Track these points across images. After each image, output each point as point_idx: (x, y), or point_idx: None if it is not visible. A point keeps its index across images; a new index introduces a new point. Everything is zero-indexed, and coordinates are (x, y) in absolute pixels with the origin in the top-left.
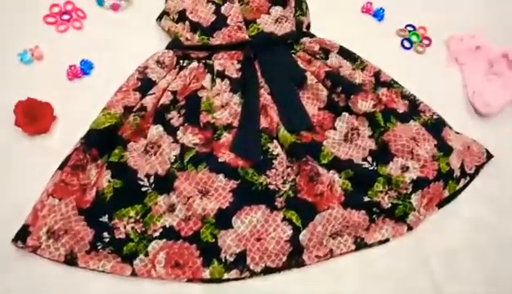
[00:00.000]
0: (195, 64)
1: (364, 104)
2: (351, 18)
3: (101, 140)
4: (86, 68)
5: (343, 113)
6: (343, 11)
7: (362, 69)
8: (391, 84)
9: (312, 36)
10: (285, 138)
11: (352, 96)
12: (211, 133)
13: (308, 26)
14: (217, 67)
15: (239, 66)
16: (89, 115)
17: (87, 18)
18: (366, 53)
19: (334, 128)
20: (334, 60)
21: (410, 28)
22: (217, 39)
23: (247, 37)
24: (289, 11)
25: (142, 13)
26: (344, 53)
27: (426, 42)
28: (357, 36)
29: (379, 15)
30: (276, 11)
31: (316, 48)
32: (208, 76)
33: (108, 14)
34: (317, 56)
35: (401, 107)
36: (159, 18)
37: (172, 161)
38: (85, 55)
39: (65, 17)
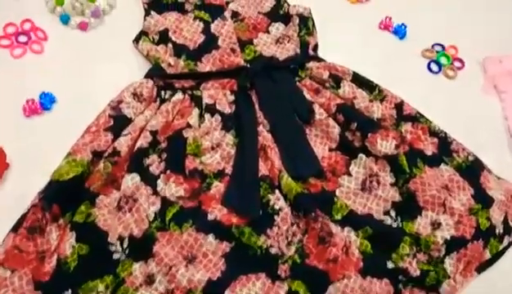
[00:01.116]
0: (179, 95)
1: (384, 145)
2: (367, 36)
3: (65, 195)
4: (47, 102)
5: (360, 156)
6: (357, 28)
7: (381, 100)
8: (416, 118)
9: (321, 60)
10: (290, 187)
11: (369, 135)
12: (198, 182)
13: (316, 47)
14: (206, 99)
15: (232, 98)
16: (50, 162)
17: (48, 40)
18: (386, 80)
19: (349, 174)
20: (347, 89)
21: (438, 48)
22: (207, 65)
23: (242, 62)
24: (293, 29)
25: (116, 33)
26: (359, 80)
27: (458, 64)
28: (374, 58)
29: (400, 32)
30: (277, 29)
31: (326, 75)
32: (196, 111)
33: (75, 34)
34: (327, 85)
35: (429, 147)
36: (137, 39)
37: (150, 219)
38: (46, 86)
39: (22, 39)
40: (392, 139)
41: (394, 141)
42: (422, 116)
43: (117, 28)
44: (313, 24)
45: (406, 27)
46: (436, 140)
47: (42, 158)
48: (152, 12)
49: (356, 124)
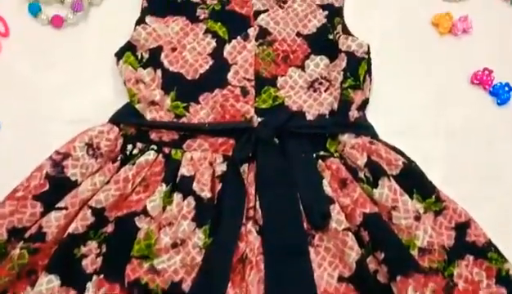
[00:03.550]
0: (150, 155)
1: None
2: (448, 90)
3: None
4: None
5: None
6: (436, 75)
7: (437, 213)
8: (484, 252)
9: (362, 129)
10: None
11: (398, 277)
12: None
13: (363, 105)
14: (183, 168)
15: (222, 169)
16: None
17: (9, 36)
18: (458, 171)
19: None
20: (387, 193)
21: None
22: (202, 108)
23: (252, 112)
24: (338, 70)
25: (101, 36)
26: (411, 178)
27: None
28: (449, 129)
29: (500, 94)
30: (317, 65)
31: (362, 161)
32: (162, 189)
33: (44, 33)
34: (360, 176)
35: None
36: (119, 54)
37: None
38: None
39: None
40: (432, 292)
41: None
42: (494, 249)
43: (104, 27)
44: (368, 71)
45: (511, 90)
46: (504, 292)
47: None
48: (148, 19)
49: (383, 254)
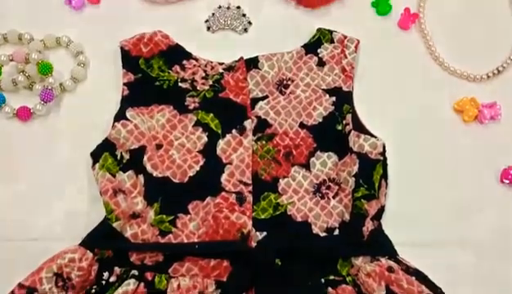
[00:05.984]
0: (129, 285)
1: None
2: (476, 192)
3: None
4: None
5: None
6: (460, 175)
7: None
8: None
9: (378, 248)
10: None
11: None
12: None
13: (379, 214)
14: None
15: None
16: None
17: None
18: (497, 289)
19: None
20: None
21: None
22: (191, 220)
23: (249, 225)
24: (348, 170)
25: (73, 131)
26: None
27: None
28: (483, 239)
29: None
30: (324, 163)
31: (380, 292)
32: None
33: (8, 127)
34: None
35: None
36: (95, 155)
37: None
38: None
39: None
40: None
41: None
42: None
43: (79, 119)
44: (383, 175)
45: None
46: None
47: None
48: (129, 113)
49: None
